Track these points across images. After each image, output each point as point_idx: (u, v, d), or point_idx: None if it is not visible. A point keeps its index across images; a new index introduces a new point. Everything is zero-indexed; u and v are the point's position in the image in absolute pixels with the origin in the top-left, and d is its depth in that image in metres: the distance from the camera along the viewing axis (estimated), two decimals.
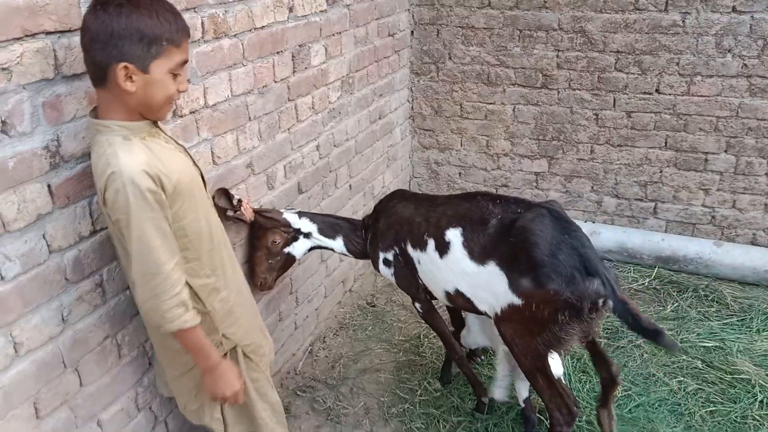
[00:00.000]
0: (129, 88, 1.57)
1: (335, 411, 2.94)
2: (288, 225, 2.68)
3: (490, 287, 2.27)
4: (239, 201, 2.46)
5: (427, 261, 2.50)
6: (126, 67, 1.54)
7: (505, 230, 2.23)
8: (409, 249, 2.57)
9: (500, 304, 2.25)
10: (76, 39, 1.69)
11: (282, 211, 2.72)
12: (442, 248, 2.41)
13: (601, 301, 2.01)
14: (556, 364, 2.45)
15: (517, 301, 2.17)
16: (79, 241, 1.81)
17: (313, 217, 2.78)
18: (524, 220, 2.18)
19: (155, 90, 1.62)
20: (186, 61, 1.68)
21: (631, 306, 2.03)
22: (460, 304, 2.51)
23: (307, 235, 2.75)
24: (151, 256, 1.64)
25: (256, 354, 2.10)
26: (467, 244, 2.34)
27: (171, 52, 1.60)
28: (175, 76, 1.65)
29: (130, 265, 1.66)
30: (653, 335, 2.00)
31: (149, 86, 1.60)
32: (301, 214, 2.75)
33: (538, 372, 2.29)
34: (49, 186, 1.69)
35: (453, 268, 2.39)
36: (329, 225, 2.80)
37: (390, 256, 2.66)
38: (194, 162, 1.88)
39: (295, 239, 2.72)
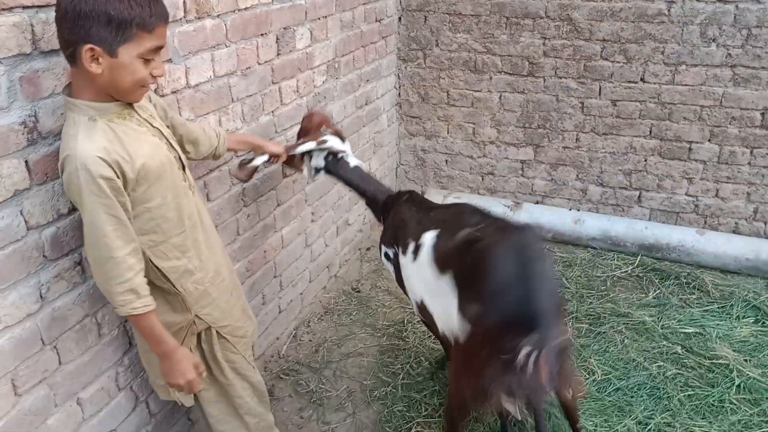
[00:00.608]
0: (95, 70, 1.55)
1: (318, 394, 2.95)
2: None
3: (446, 302, 2.01)
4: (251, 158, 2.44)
5: (405, 265, 2.35)
6: (92, 49, 1.52)
7: (468, 245, 1.97)
8: (400, 251, 2.44)
9: (453, 332, 2.00)
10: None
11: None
12: (417, 251, 2.24)
13: (537, 362, 1.67)
14: None
15: (461, 336, 1.92)
16: (58, 219, 1.80)
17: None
18: (485, 244, 1.88)
19: (123, 74, 1.59)
20: (161, 47, 1.64)
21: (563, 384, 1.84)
22: (428, 320, 2.31)
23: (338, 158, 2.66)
24: (101, 242, 1.63)
25: (233, 335, 2.10)
26: (436, 248, 2.14)
27: (141, 37, 1.57)
28: (147, 61, 1.62)
29: (86, 244, 1.67)
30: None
31: (116, 70, 1.58)
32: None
33: (452, 426, 2.12)
34: (26, 162, 1.68)
35: (420, 272, 2.21)
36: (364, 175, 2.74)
37: (390, 252, 2.59)
38: (171, 144, 1.87)
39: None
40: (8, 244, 1.66)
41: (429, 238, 2.20)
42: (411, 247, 2.30)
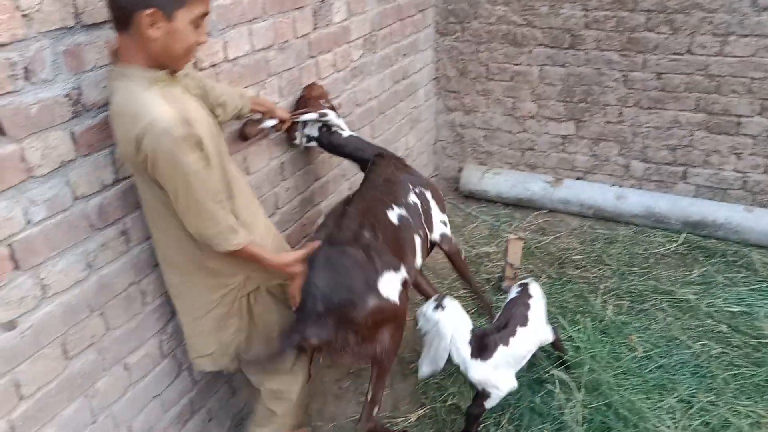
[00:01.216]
0: (153, 35, 1.60)
1: (355, 366, 2.98)
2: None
3: None
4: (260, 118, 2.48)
5: None
6: (152, 14, 1.57)
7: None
8: None
9: None
10: None
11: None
12: None
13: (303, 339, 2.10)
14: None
15: None
16: (103, 189, 1.85)
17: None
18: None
19: (177, 39, 1.65)
20: (207, 13, 1.70)
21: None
22: None
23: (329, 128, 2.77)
24: (202, 191, 1.72)
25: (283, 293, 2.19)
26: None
27: (193, 3, 1.63)
28: (196, 27, 1.68)
29: (179, 200, 1.73)
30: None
31: (172, 35, 1.63)
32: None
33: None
34: (72, 133, 1.72)
35: None
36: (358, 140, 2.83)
37: None
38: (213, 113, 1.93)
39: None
40: (56, 214, 1.71)
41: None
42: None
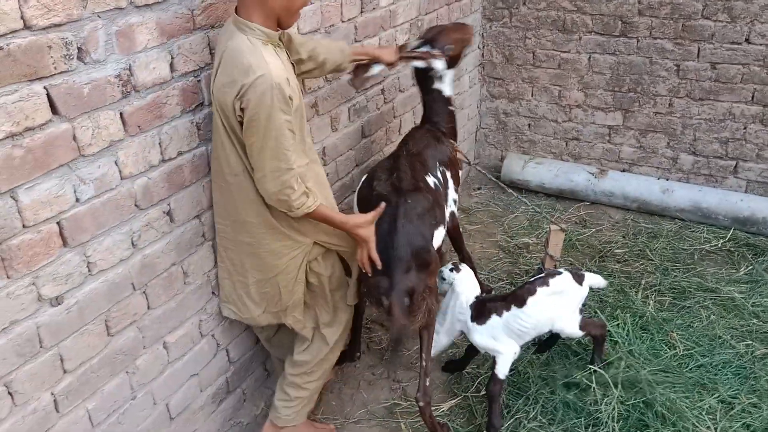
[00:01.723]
0: None
1: (390, 352, 2.99)
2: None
3: None
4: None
5: None
6: None
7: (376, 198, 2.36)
8: None
9: None
10: None
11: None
12: None
13: (380, 297, 2.20)
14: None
15: None
16: (149, 170, 1.88)
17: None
18: (386, 201, 2.25)
19: None
20: None
21: (395, 314, 2.15)
22: None
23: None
24: (283, 154, 1.83)
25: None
26: (359, 191, 2.63)
27: None
28: None
29: (260, 159, 1.84)
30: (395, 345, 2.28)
31: None
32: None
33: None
34: (121, 114, 1.75)
35: None
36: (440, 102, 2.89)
37: None
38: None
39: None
40: (103, 192, 1.75)
41: (362, 180, 2.63)
42: None
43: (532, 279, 2.64)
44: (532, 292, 2.51)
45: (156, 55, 1.81)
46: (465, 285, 2.55)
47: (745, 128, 3.75)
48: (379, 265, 2.16)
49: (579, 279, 2.62)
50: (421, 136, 2.79)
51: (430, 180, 2.61)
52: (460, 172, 3.00)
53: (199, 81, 1.99)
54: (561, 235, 3.24)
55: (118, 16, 1.67)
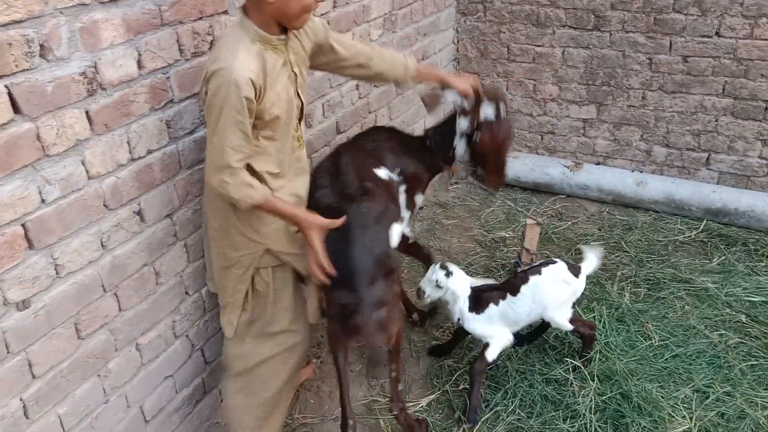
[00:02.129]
0: None
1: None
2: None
3: None
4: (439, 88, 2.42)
5: None
6: None
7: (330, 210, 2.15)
8: None
9: None
10: None
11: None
12: None
13: (351, 315, 2.01)
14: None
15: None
16: (117, 169, 1.84)
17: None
18: (330, 210, 2.11)
19: (291, 1, 1.77)
20: None
21: (369, 335, 1.99)
22: None
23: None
24: (226, 151, 1.80)
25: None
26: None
27: None
28: None
29: (209, 149, 1.85)
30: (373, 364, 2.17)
31: None
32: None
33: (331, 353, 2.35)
34: (87, 112, 1.71)
35: None
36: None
37: None
38: (298, 93, 2.00)
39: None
40: (70, 193, 1.71)
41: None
42: None
43: (527, 268, 2.70)
44: (525, 281, 2.57)
45: (122, 52, 1.78)
46: (462, 285, 2.59)
47: (716, 120, 3.80)
48: (331, 271, 2.01)
49: (575, 271, 2.63)
50: (386, 134, 2.65)
51: (381, 172, 2.44)
52: (420, 198, 2.73)
53: (168, 78, 1.96)
54: (537, 228, 3.26)
55: (81, 12, 1.63)
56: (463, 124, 2.51)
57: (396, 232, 2.30)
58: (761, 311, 3.01)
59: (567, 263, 2.65)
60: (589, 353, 2.73)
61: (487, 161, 2.59)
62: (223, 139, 1.78)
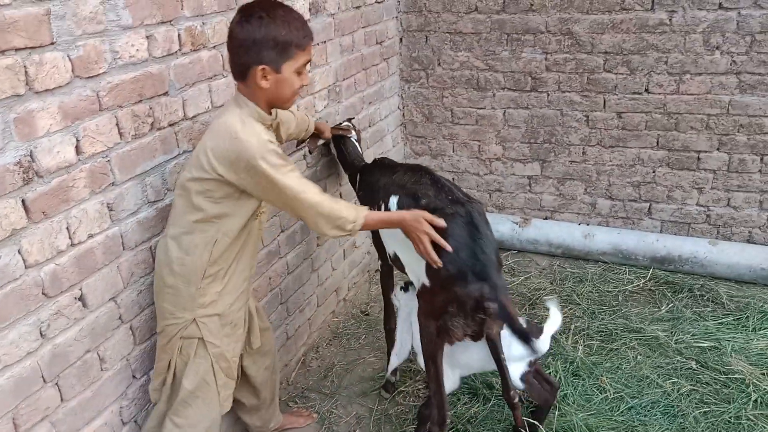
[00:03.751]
0: (264, 85, 1.92)
1: (328, 420, 2.93)
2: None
3: (416, 260, 2.37)
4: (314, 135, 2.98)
5: None
6: (263, 69, 1.89)
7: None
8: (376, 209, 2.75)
9: (420, 279, 2.41)
10: (48, 55, 1.71)
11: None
12: (387, 210, 2.61)
13: (485, 303, 2.15)
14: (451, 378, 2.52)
15: (427, 282, 2.35)
16: (56, 255, 1.81)
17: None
18: (443, 214, 2.26)
19: (284, 86, 1.96)
20: (309, 61, 2.01)
21: (510, 311, 2.14)
22: (399, 267, 2.75)
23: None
24: (316, 204, 1.98)
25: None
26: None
27: (298, 55, 1.93)
28: (299, 74, 1.97)
29: (302, 211, 2.00)
30: (525, 339, 2.17)
31: (280, 83, 1.94)
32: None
33: (429, 359, 2.40)
34: (23, 201, 1.70)
35: (392, 232, 2.56)
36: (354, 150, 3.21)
37: None
38: None
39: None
40: (6, 284, 1.67)
41: (393, 202, 2.59)
42: (382, 207, 2.66)
43: None
44: None
45: (60, 139, 1.78)
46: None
47: (654, 172, 3.96)
48: (449, 248, 2.15)
49: (537, 332, 2.61)
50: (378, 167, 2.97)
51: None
52: None
53: (108, 161, 1.96)
54: None
55: (15, 103, 1.64)
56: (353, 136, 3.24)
57: None
58: (710, 357, 3.08)
59: (527, 321, 2.67)
60: (541, 420, 2.64)
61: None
62: (305, 195, 1.95)
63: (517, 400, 2.44)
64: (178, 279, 2.02)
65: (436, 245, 2.16)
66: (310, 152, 3.14)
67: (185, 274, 2.01)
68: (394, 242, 2.66)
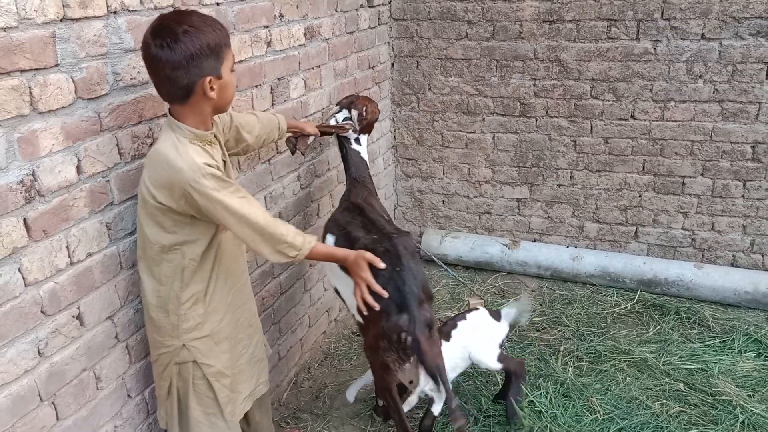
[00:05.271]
0: (212, 96, 1.85)
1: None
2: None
3: (353, 299, 2.38)
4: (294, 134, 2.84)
5: None
6: (210, 80, 1.82)
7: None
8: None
9: (356, 317, 2.48)
10: (52, 76, 1.74)
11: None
12: None
13: (401, 334, 2.22)
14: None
15: (360, 319, 2.42)
16: (56, 274, 1.83)
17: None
18: (374, 253, 2.28)
19: (228, 89, 1.91)
20: (234, 56, 1.94)
21: (423, 347, 2.21)
22: (342, 303, 2.80)
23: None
24: (251, 216, 1.90)
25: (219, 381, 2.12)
26: None
27: (227, 53, 1.87)
28: (232, 70, 1.92)
29: (244, 233, 1.92)
30: (433, 377, 2.26)
31: (223, 88, 1.89)
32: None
33: (383, 393, 2.46)
34: (24, 220, 1.71)
35: (334, 269, 2.62)
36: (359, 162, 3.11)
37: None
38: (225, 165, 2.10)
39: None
40: (5, 302, 1.68)
41: (330, 242, 2.72)
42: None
43: (454, 315, 2.93)
44: (455, 326, 2.77)
45: (61, 159, 1.81)
46: None
47: (640, 196, 4.04)
48: (385, 294, 2.19)
49: (496, 315, 2.94)
50: (367, 199, 2.95)
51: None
52: None
53: (108, 181, 1.99)
54: (480, 306, 3.34)
55: (20, 123, 1.67)
56: (351, 135, 3.09)
57: None
58: (697, 378, 3.13)
59: (488, 309, 2.99)
60: (518, 391, 2.87)
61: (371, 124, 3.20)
62: (239, 212, 1.87)
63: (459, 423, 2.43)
64: (158, 311, 1.99)
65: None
66: (303, 155, 3.06)
67: (162, 305, 1.99)
68: (336, 279, 2.71)
